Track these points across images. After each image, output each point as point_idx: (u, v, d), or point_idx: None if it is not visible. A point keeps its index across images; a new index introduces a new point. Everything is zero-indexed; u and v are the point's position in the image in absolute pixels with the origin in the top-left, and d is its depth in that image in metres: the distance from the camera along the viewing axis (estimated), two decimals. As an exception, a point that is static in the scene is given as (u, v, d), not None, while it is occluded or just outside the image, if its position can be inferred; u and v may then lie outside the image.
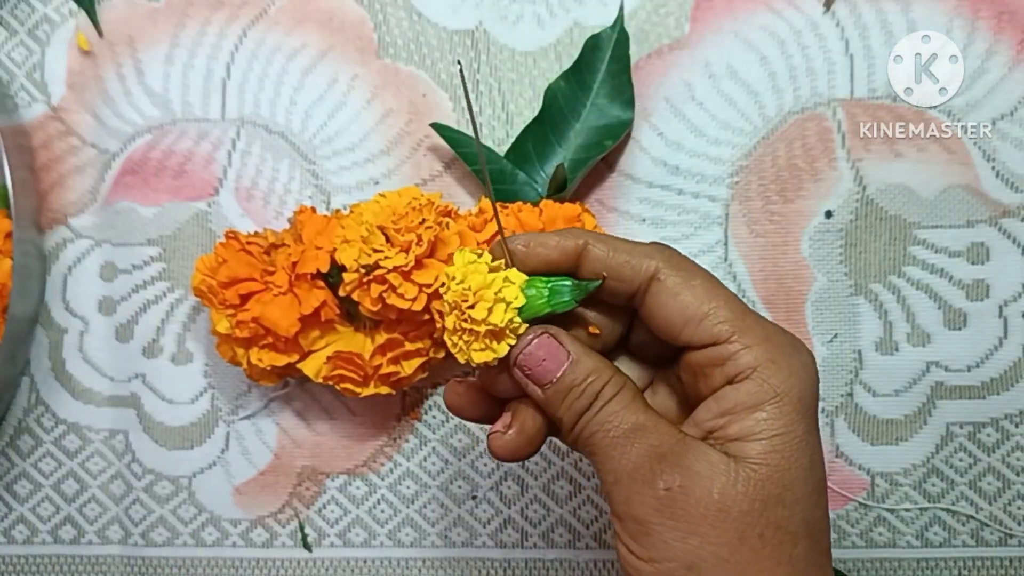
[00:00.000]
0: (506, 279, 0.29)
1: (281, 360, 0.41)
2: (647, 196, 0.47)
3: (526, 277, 0.29)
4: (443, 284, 0.29)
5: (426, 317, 0.41)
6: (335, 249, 0.40)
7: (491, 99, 0.47)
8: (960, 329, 0.46)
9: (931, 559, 0.46)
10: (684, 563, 0.26)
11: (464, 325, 0.28)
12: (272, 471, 0.48)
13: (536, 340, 0.29)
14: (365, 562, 0.48)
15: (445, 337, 0.30)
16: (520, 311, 0.29)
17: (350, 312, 0.43)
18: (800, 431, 0.27)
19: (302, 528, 0.48)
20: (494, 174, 0.45)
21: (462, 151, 0.45)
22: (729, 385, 0.27)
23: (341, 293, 0.41)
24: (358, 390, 0.42)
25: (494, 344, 0.29)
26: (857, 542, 0.46)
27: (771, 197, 0.46)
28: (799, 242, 0.46)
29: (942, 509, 0.46)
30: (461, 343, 0.29)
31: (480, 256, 0.29)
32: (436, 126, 0.46)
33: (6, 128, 0.46)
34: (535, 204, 0.43)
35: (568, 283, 0.29)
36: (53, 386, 0.49)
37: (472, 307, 0.28)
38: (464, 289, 0.28)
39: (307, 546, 0.48)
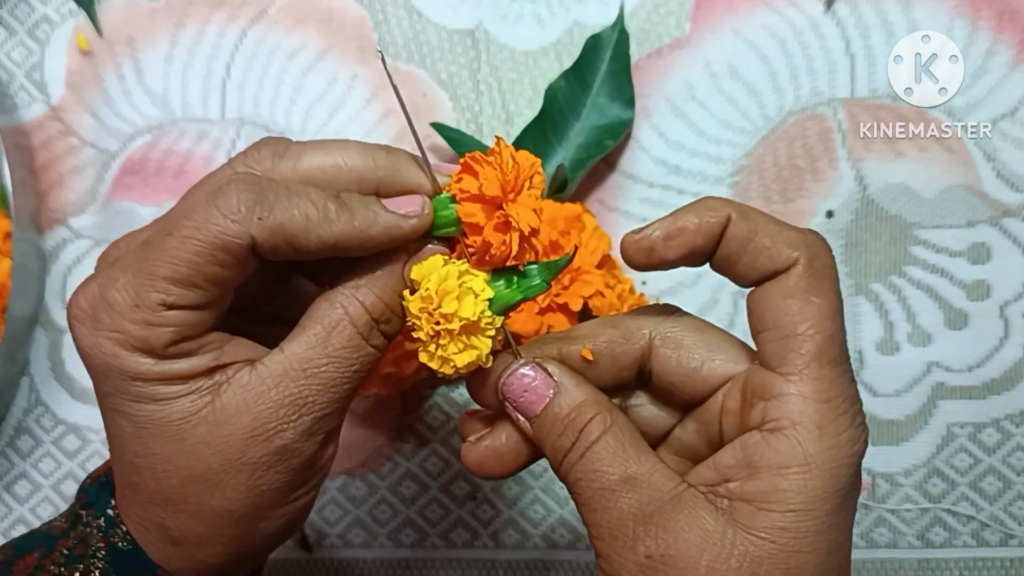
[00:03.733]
0: (467, 271, 0.26)
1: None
2: (648, 196, 0.47)
3: (486, 274, 0.27)
4: (403, 299, 0.27)
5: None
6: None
7: (491, 99, 0.47)
8: (961, 329, 0.46)
9: (932, 559, 0.46)
10: None
11: (436, 328, 0.26)
12: (272, 471, 0.48)
13: (519, 369, 0.27)
14: (365, 562, 0.48)
15: (421, 355, 0.27)
16: (491, 303, 0.26)
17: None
18: (823, 511, 0.23)
19: (302, 528, 0.48)
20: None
21: (462, 151, 0.45)
22: (759, 431, 0.24)
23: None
24: (359, 390, 0.42)
25: (474, 340, 0.26)
26: (858, 543, 0.46)
27: (772, 197, 0.46)
28: (800, 242, 0.46)
29: (943, 509, 0.46)
30: (440, 351, 0.26)
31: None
32: (436, 126, 0.46)
33: (6, 128, 0.46)
34: (535, 204, 0.43)
35: (535, 265, 0.27)
36: (53, 386, 0.49)
37: (439, 306, 0.26)
38: (425, 292, 0.26)
39: (307, 546, 0.48)
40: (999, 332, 0.46)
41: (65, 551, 0.27)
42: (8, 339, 0.45)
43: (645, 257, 0.26)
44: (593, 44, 0.45)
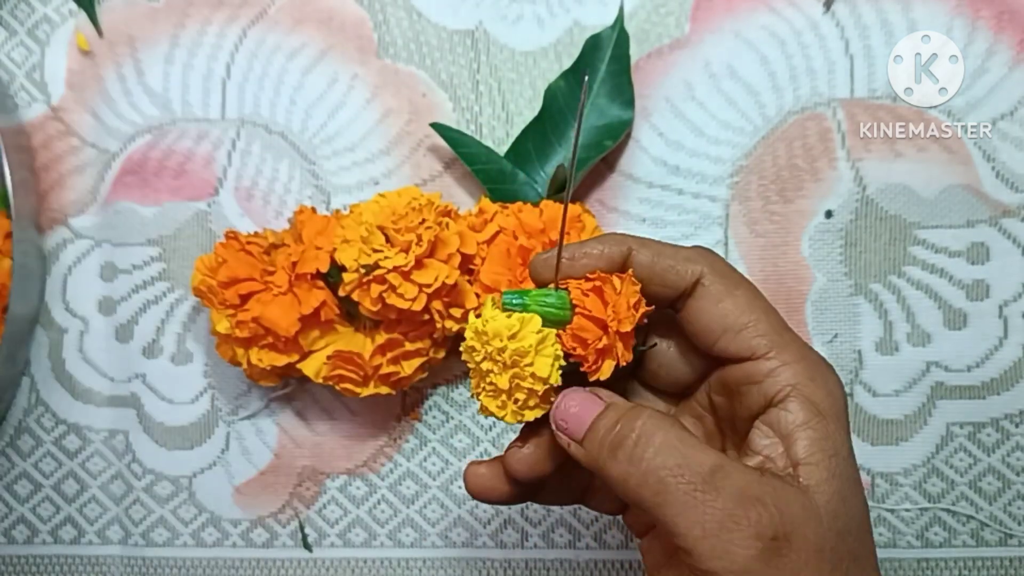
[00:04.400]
0: (538, 331, 0.28)
1: (281, 360, 0.41)
2: (647, 196, 0.47)
3: (539, 320, 0.28)
4: (480, 339, 0.28)
5: (426, 317, 0.41)
6: (335, 249, 0.40)
7: (491, 99, 0.47)
8: (960, 329, 0.46)
9: (931, 559, 0.46)
10: None
11: (524, 384, 0.28)
12: (272, 471, 0.48)
13: (569, 397, 0.28)
14: (365, 562, 0.48)
15: (485, 400, 0.29)
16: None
17: (350, 312, 0.43)
18: (846, 452, 0.26)
19: (302, 528, 0.48)
20: (494, 174, 0.45)
21: (462, 151, 0.45)
22: (773, 407, 0.26)
23: (341, 293, 0.41)
24: (358, 390, 0.42)
25: (551, 397, 0.28)
26: (857, 542, 0.46)
27: (771, 197, 0.46)
28: (799, 242, 0.46)
29: (942, 509, 0.46)
30: (512, 405, 0.28)
31: (503, 305, 0.28)
32: (436, 126, 0.46)
33: (6, 128, 0.46)
34: (535, 204, 0.43)
35: (554, 297, 0.28)
36: (53, 386, 0.49)
37: (531, 364, 0.27)
38: (518, 347, 0.27)
39: (307, 546, 0.48)
40: (998, 332, 0.46)
41: None
42: (8, 339, 0.45)
43: (550, 273, 0.29)
44: (593, 44, 0.45)
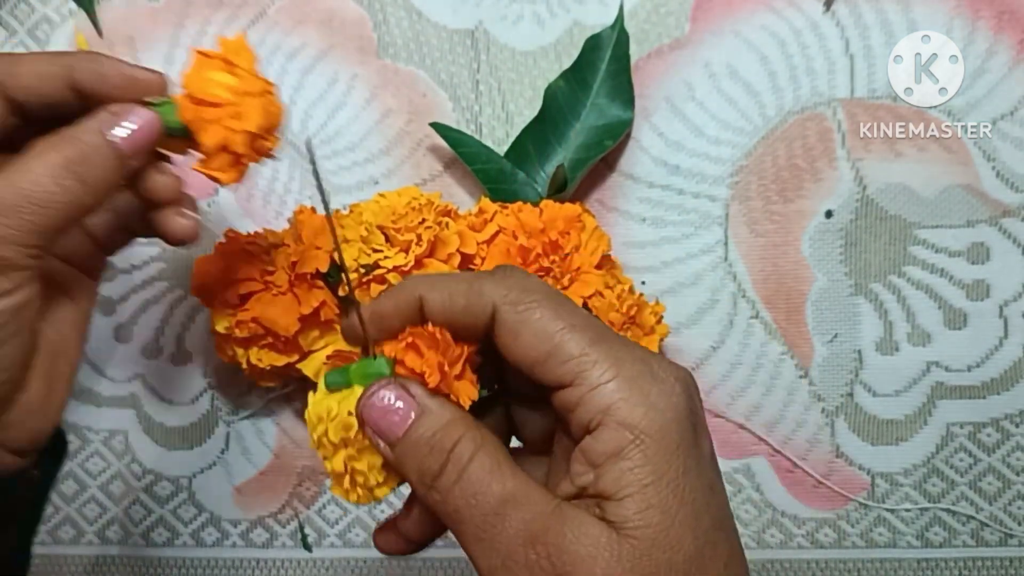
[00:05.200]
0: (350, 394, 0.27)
1: (281, 360, 0.41)
2: (647, 196, 0.47)
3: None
4: (310, 427, 0.27)
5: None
6: (335, 249, 0.40)
7: (491, 99, 0.47)
8: (960, 329, 0.46)
9: (931, 559, 0.46)
10: None
11: (359, 464, 0.26)
12: (272, 471, 0.48)
13: (379, 391, 0.25)
14: (365, 562, 0.48)
15: (333, 489, 0.27)
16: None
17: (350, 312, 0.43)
18: (672, 473, 0.23)
19: (302, 528, 0.48)
20: (494, 174, 0.45)
21: (462, 151, 0.45)
22: (588, 435, 0.24)
23: (341, 293, 0.41)
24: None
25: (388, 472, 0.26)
26: (857, 542, 0.46)
27: (771, 197, 0.46)
28: (799, 242, 0.46)
29: (942, 509, 0.46)
30: (358, 489, 0.27)
31: (327, 388, 0.27)
32: (436, 126, 0.46)
33: (6, 128, 0.46)
34: (535, 204, 0.43)
35: (374, 365, 0.27)
36: (53, 386, 0.49)
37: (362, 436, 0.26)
38: (340, 422, 0.26)
39: (307, 546, 0.48)
40: (998, 332, 0.46)
41: None
42: (8, 339, 0.45)
43: (359, 338, 0.27)
44: (593, 44, 0.45)
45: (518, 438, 0.29)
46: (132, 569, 0.48)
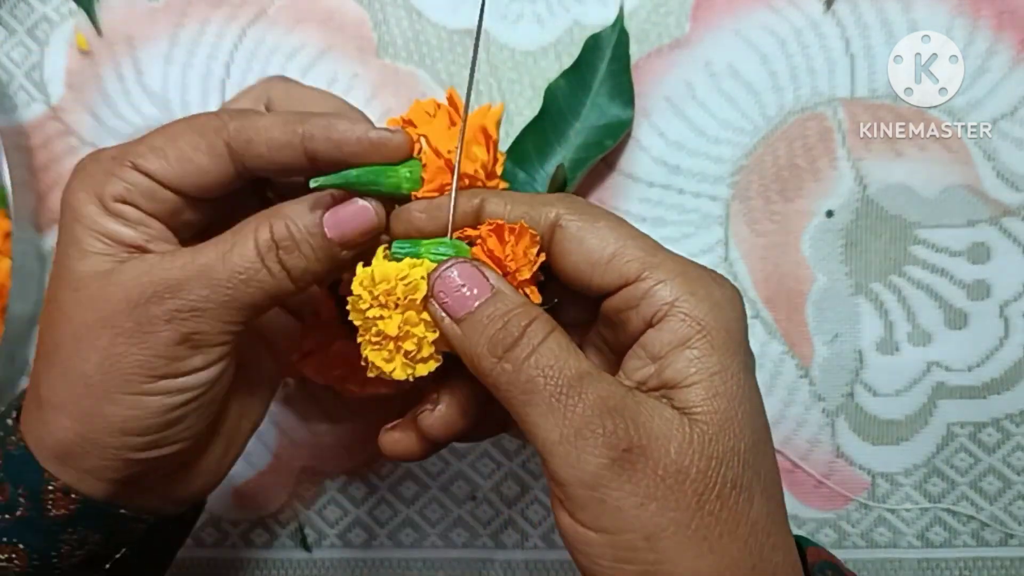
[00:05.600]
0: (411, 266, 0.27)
1: (281, 360, 0.41)
2: (647, 196, 0.47)
3: (431, 265, 0.27)
4: (366, 287, 0.26)
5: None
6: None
7: (491, 99, 0.47)
8: (961, 329, 0.46)
9: (932, 559, 0.46)
10: (643, 533, 0.23)
11: (416, 331, 0.26)
12: (272, 471, 0.48)
13: (456, 265, 0.26)
14: (365, 563, 0.48)
15: (370, 354, 0.27)
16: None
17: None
18: (736, 368, 0.24)
19: (302, 529, 0.48)
20: (494, 174, 0.45)
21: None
22: (651, 328, 0.25)
23: (341, 293, 0.41)
24: (358, 390, 0.42)
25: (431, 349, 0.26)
26: (858, 542, 0.46)
27: (772, 196, 0.46)
28: (800, 242, 0.46)
29: (943, 509, 0.46)
30: (401, 357, 0.26)
31: (392, 255, 0.27)
32: (436, 126, 0.45)
33: (5, 128, 0.46)
34: (535, 204, 0.43)
35: (447, 246, 0.27)
36: (52, 386, 0.49)
37: (414, 291, 0.26)
38: (410, 283, 0.26)
39: (307, 547, 0.48)
40: (999, 332, 0.46)
41: None
42: (8, 339, 0.45)
43: (404, 226, 0.28)
44: (593, 44, 0.45)
45: None
46: (132, 569, 0.48)
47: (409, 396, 0.47)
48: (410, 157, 0.28)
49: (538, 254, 0.27)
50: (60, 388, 0.27)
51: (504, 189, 0.28)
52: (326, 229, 0.27)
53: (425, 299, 0.26)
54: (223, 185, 0.28)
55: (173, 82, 0.48)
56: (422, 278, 0.26)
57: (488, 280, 0.26)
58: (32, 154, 0.48)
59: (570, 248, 0.26)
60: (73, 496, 0.27)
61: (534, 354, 0.24)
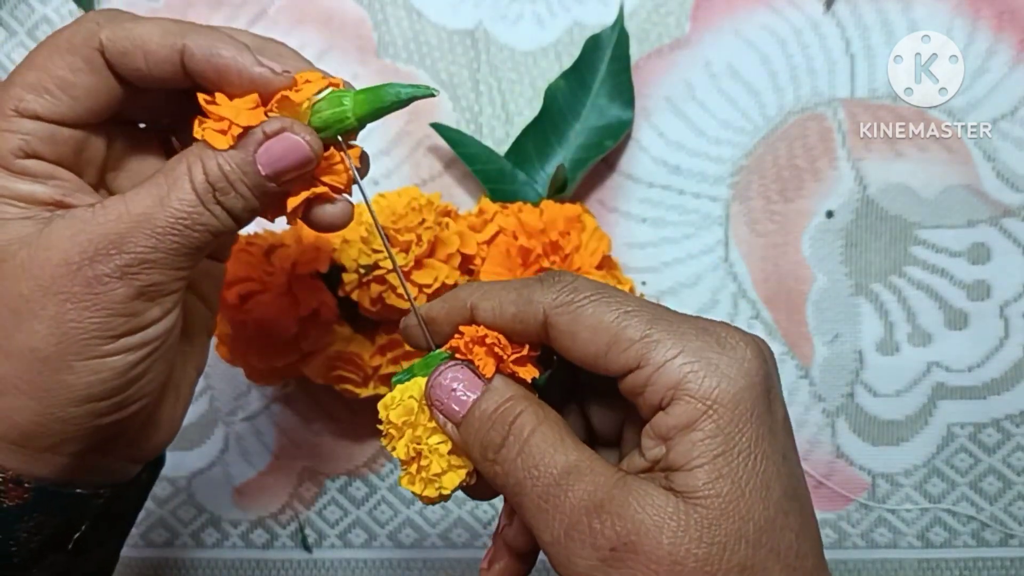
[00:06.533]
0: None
1: (281, 360, 0.41)
2: (647, 196, 0.47)
3: (423, 380, 0.27)
4: (383, 418, 0.27)
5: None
6: (335, 249, 0.40)
7: (491, 99, 0.47)
8: (961, 329, 0.46)
9: (932, 559, 0.46)
10: None
11: (423, 447, 0.27)
12: (272, 472, 0.48)
13: (446, 370, 0.26)
14: (365, 563, 0.48)
15: (402, 482, 0.28)
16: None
17: (350, 312, 0.43)
18: (745, 442, 0.23)
19: (302, 529, 0.48)
20: (494, 174, 0.45)
21: (462, 151, 0.45)
22: (661, 411, 0.24)
23: (341, 293, 0.41)
24: (358, 391, 0.42)
25: (454, 459, 0.27)
26: (858, 543, 0.46)
27: (772, 197, 0.46)
28: (800, 242, 0.46)
29: (943, 509, 0.46)
30: (421, 476, 0.27)
31: (392, 386, 0.28)
32: (436, 126, 0.45)
33: (5, 128, 0.45)
34: (535, 204, 0.43)
35: (436, 358, 0.27)
36: (52, 387, 0.49)
37: (423, 419, 0.27)
38: (404, 406, 0.27)
39: (307, 547, 0.48)
40: (999, 332, 0.46)
41: None
42: (8, 339, 0.45)
43: (417, 339, 0.28)
44: (593, 44, 0.45)
45: (591, 435, 0.29)
46: (132, 570, 0.48)
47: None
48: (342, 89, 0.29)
49: (530, 350, 0.27)
50: (7, 368, 0.25)
51: (492, 285, 0.27)
52: (260, 167, 0.26)
53: (429, 409, 0.27)
54: (120, 99, 0.26)
55: (173, 82, 0.48)
56: (411, 396, 0.27)
57: (477, 377, 0.26)
58: (32, 154, 0.48)
59: (566, 344, 0.25)
60: (26, 485, 0.26)
61: (520, 454, 0.24)
